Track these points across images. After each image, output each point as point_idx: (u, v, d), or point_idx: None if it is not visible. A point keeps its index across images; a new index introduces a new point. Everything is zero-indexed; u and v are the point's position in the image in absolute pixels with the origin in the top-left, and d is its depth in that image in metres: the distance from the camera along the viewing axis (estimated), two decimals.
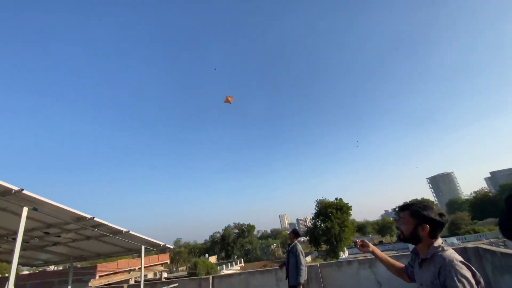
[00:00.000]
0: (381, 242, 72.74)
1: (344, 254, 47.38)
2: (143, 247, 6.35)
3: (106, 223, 5.12)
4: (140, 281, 6.47)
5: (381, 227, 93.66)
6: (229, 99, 7.62)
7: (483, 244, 5.55)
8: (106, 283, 16.59)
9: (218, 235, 70.69)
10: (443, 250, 1.41)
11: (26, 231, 5.31)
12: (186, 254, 60.33)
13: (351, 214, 47.38)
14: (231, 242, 66.23)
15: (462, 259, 1.35)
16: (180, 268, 44.14)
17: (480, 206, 65.60)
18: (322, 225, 45.46)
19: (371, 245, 1.83)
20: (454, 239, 43.62)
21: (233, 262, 46.09)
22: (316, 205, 48.39)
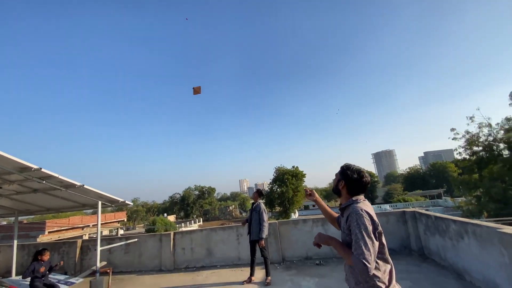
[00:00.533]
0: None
1: (295, 215, 52.02)
2: (99, 203, 5.99)
3: (56, 175, 4.62)
4: (95, 237, 6.23)
5: (328, 193, 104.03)
6: (197, 90, 7.21)
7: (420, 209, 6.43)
8: (57, 239, 15.79)
9: (178, 196, 71.00)
10: (356, 202, 1.69)
11: None
12: (144, 213, 59.99)
13: (304, 181, 51.52)
14: (190, 203, 67.39)
15: (367, 210, 1.61)
16: (137, 226, 44.16)
17: (411, 180, 75.83)
18: (278, 189, 48.84)
19: (316, 195, 2.11)
20: (387, 206, 50.61)
21: (192, 221, 47.44)
22: (274, 172, 51.39)
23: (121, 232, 27.55)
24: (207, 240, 6.82)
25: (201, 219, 57.43)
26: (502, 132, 19.27)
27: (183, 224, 41.28)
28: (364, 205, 1.67)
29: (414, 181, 73.98)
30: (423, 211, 5.67)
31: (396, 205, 56.30)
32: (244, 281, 5.11)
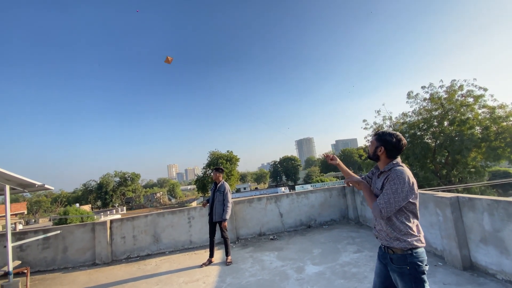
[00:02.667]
0: (256, 188, 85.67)
1: None
2: (7, 187, 4.55)
3: None
4: (5, 232, 4.80)
5: (258, 177, 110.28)
6: (169, 59, 7.14)
7: None
8: None
9: (93, 183, 61.89)
10: (398, 165, 1.80)
11: None
12: (49, 204, 49.95)
13: (238, 165, 52.96)
14: (110, 191, 59.91)
15: (408, 174, 1.74)
16: (41, 219, 36.28)
17: (326, 163, 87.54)
18: (211, 173, 48.62)
19: (338, 159, 2.26)
20: (308, 186, 57.07)
21: (114, 210, 42.43)
22: (208, 156, 50.86)
23: (19, 227, 22.22)
24: (153, 225, 6.15)
25: (124, 208, 52.05)
26: (398, 124, 23.93)
27: (102, 214, 36.51)
28: (405, 169, 1.76)
29: (327, 164, 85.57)
30: None
31: (315, 185, 64.08)
32: (203, 264, 4.86)
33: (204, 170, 50.81)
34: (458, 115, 19.39)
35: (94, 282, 4.68)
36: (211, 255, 4.99)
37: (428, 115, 21.79)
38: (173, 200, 79.36)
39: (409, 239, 1.72)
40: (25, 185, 4.90)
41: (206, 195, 51.55)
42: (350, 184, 2.00)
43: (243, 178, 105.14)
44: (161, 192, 74.69)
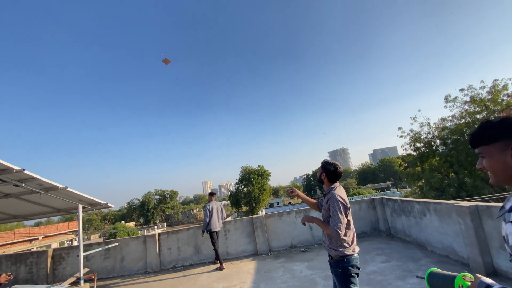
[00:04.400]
0: (289, 203, 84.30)
1: (262, 213, 53.12)
2: (80, 206, 5.64)
3: (38, 177, 4.30)
4: (70, 245, 5.82)
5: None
6: (166, 61, 7.99)
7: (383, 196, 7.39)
8: (2, 253, 13.84)
9: (136, 201, 66.62)
10: (333, 189, 2.37)
11: None
12: (99, 222, 55.00)
13: (269, 179, 52.97)
14: (151, 208, 63.83)
15: (340, 194, 2.30)
16: (92, 236, 40.19)
17: (363, 175, 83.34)
18: (244, 189, 49.38)
19: (297, 190, 2.73)
20: None
21: (155, 227, 45.12)
22: (240, 171, 51.78)
23: (75, 243, 25.00)
24: (194, 238, 6.85)
25: (165, 224, 54.90)
26: (438, 130, 22.52)
27: (145, 230, 39.05)
28: (339, 190, 2.36)
29: (366, 176, 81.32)
30: (390, 197, 6.57)
31: (352, 198, 61.21)
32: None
33: (236, 185, 51.69)
34: None
35: (149, 287, 5.44)
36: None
37: (471, 119, 20.29)
38: None
39: (341, 249, 2.27)
40: (93, 205, 5.95)
41: (240, 210, 52.21)
42: (306, 224, 2.47)
43: (275, 192, 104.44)
44: (197, 208, 77.32)
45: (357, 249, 2.33)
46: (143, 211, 63.79)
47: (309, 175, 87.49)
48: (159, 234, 6.92)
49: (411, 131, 23.95)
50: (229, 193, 54.46)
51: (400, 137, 24.26)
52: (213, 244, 6.04)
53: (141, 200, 65.37)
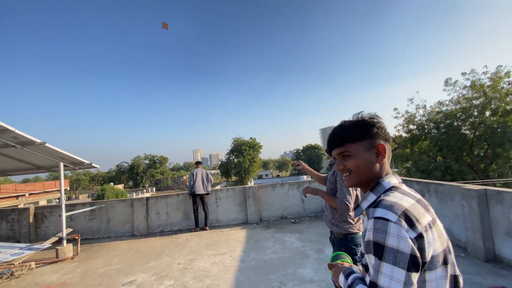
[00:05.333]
0: (278, 176, 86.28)
1: (251, 184, 54.44)
2: (61, 165, 5.24)
3: (12, 128, 3.83)
4: (53, 204, 5.53)
5: (280, 164, 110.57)
6: (165, 25, 7.62)
7: None
8: None
9: (125, 164, 66.35)
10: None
11: None
12: (88, 182, 54.95)
13: (260, 152, 53.44)
14: (140, 172, 63.94)
15: None
16: (81, 196, 40.28)
17: None
18: (235, 159, 49.82)
19: (302, 163, 2.54)
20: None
21: (144, 190, 45.54)
22: (232, 142, 51.80)
23: None
24: (183, 204, 6.69)
25: (154, 188, 55.50)
26: (433, 114, 22.49)
27: (134, 193, 39.36)
28: None
29: None
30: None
31: None
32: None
33: (228, 155, 51.97)
34: (503, 104, 17.75)
35: (134, 250, 5.32)
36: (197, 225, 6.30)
37: (468, 104, 20.20)
38: None
39: (345, 226, 2.04)
40: (76, 163, 5.57)
41: (230, 179, 53.11)
42: (306, 195, 2.28)
43: (265, 165, 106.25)
44: (187, 175, 78.21)
45: (362, 227, 2.04)
46: (132, 174, 63.91)
47: (299, 150, 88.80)
48: (147, 198, 6.71)
49: (407, 112, 23.84)
50: (220, 162, 54.89)
51: (394, 117, 24.14)
52: (193, 208, 6.34)
53: (130, 163, 65.13)
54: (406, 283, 0.63)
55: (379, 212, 0.70)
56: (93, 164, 5.77)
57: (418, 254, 0.65)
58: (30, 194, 21.81)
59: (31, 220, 6.29)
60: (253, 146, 50.98)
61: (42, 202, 25.01)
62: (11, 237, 6.18)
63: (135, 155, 73.71)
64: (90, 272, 4.24)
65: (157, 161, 68.35)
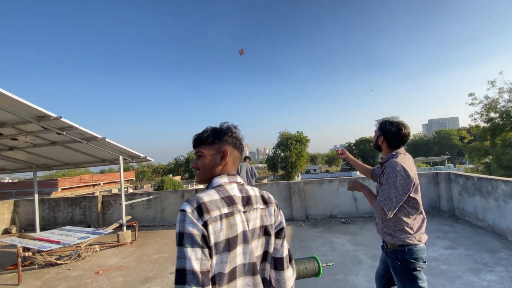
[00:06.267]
0: (327, 171, 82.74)
1: (298, 179, 53.41)
2: (121, 158, 5.77)
3: (76, 126, 4.28)
4: (117, 193, 6.12)
5: (329, 159, 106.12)
6: (241, 51, 8.28)
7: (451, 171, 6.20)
8: (70, 195, 16.15)
9: (182, 158, 72.12)
10: (395, 156, 1.73)
11: None
12: (150, 174, 61.71)
13: (308, 146, 51.92)
14: None
15: (403, 164, 1.63)
16: (145, 186, 45.59)
17: (415, 146, 76.22)
18: (281, 154, 49.53)
19: (347, 153, 2.25)
20: None
21: (195, 182, 48.85)
22: (278, 136, 51.54)
23: (130, 190, 28.37)
24: None
25: None
26: None
27: (189, 184, 42.58)
28: (403, 158, 1.70)
29: (417, 148, 74.39)
30: (461, 173, 5.42)
31: None
32: None
33: (274, 150, 51.99)
34: None
35: None
36: None
37: None
38: None
39: (400, 236, 1.66)
40: (133, 157, 6.06)
41: (277, 173, 53.15)
42: (352, 190, 2.01)
43: (313, 159, 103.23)
44: None
45: (424, 238, 1.69)
46: (188, 167, 69.17)
47: (351, 143, 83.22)
48: (196, 190, 6.97)
49: (486, 97, 20.03)
50: (266, 156, 55.30)
51: (470, 104, 20.53)
52: None
53: (186, 157, 70.56)
54: (191, 258, 0.72)
55: (182, 205, 0.82)
56: (147, 158, 6.20)
57: (200, 237, 0.75)
58: (104, 183, 25.45)
59: (99, 207, 7.16)
60: (300, 140, 49.80)
61: (115, 191, 28.92)
62: (83, 222, 7.15)
63: (191, 149, 79.46)
64: (144, 258, 4.55)
65: None
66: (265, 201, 0.97)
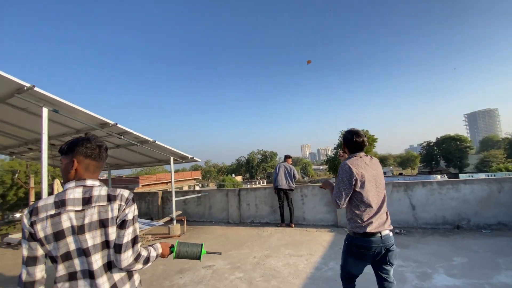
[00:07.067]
0: (400, 174, 73.34)
1: None
2: (171, 158, 6.44)
3: (130, 130, 4.98)
4: (169, 190, 6.83)
5: (403, 160, 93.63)
6: (309, 61, 8.82)
7: None
8: (139, 191, 18.84)
9: (243, 159, 75.63)
10: (349, 158, 2.08)
11: (58, 136, 5.40)
12: (216, 173, 66.96)
13: (375, 146, 47.14)
14: (255, 166, 71.10)
15: (350, 163, 1.98)
16: (210, 184, 49.88)
17: None
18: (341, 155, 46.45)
19: (327, 185, 2.34)
20: (482, 175, 42.42)
21: (257, 182, 50.38)
22: (340, 136, 48.47)
23: (197, 188, 31.35)
24: (270, 198, 6.73)
25: (265, 180, 60.37)
26: None
27: (248, 184, 44.29)
28: (354, 160, 2.04)
29: None
30: None
31: (494, 175, 46.78)
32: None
33: (335, 150, 49.26)
34: None
35: (224, 236, 5.81)
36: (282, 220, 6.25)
37: None
38: (306, 178, 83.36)
39: (352, 224, 2.00)
40: (182, 157, 6.68)
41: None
42: (324, 188, 2.35)
43: (382, 161, 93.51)
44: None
45: (374, 227, 1.91)
46: (249, 167, 72.05)
47: (430, 143, 71.52)
48: (240, 190, 7.19)
49: None
50: (327, 158, 52.70)
51: None
52: (279, 203, 6.28)
53: (246, 158, 73.63)
54: (23, 247, 1.12)
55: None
56: (194, 158, 6.74)
57: (28, 233, 1.10)
58: (175, 181, 28.98)
59: (159, 202, 8.14)
60: None
61: (185, 188, 32.41)
62: (147, 214, 8.24)
63: (251, 151, 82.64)
64: None
65: (268, 155, 73.79)
66: (109, 199, 1.19)
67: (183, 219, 6.31)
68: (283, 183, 6.12)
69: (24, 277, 1.10)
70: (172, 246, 1.47)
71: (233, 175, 64.24)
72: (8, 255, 5.46)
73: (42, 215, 1.10)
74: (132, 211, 1.24)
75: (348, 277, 2.15)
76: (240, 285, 3.41)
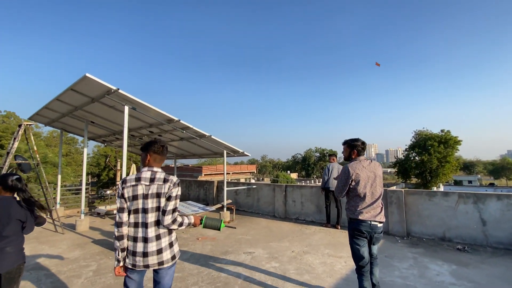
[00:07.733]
0: (491, 185, 60.61)
1: (440, 189, 42.65)
2: (225, 152, 7.06)
3: (191, 126, 5.70)
4: (228, 180, 7.48)
5: (496, 168, 77.21)
6: (377, 64, 9.10)
7: None
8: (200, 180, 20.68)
9: (299, 156, 74.63)
10: (352, 160, 2.77)
11: (136, 128, 6.57)
12: (271, 168, 68.24)
13: (458, 149, 39.87)
14: (311, 164, 69.37)
15: (349, 166, 2.67)
16: (265, 179, 51.43)
17: None
18: (416, 157, 40.76)
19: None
20: None
21: (312, 181, 49.17)
22: (413, 136, 42.75)
23: (252, 181, 32.75)
24: (316, 197, 6.70)
25: (321, 179, 58.41)
26: None
27: (303, 182, 43.64)
28: (353, 163, 2.70)
29: None
30: None
31: None
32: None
33: (406, 152, 43.37)
34: None
35: (268, 228, 6.12)
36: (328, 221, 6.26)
37: None
38: None
39: (348, 212, 2.73)
40: (234, 151, 7.23)
41: (409, 181, 44.42)
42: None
43: (468, 167, 79.13)
44: None
45: (365, 216, 2.55)
46: (305, 165, 70.72)
47: None
48: (286, 186, 7.36)
49: None
50: (396, 159, 47.19)
51: None
52: (326, 203, 6.24)
53: (303, 155, 72.41)
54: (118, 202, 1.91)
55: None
56: (245, 152, 7.22)
57: (120, 193, 1.88)
58: (233, 173, 30.78)
59: (214, 190, 8.98)
60: (446, 142, 38.79)
61: (242, 180, 34.22)
62: (204, 200, 9.19)
63: (307, 148, 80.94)
64: (231, 236, 5.45)
65: (326, 154, 70.89)
66: (165, 180, 1.91)
67: (233, 207, 6.88)
68: (334, 184, 6.04)
69: (117, 219, 1.85)
70: (201, 219, 2.13)
71: (289, 171, 64.16)
72: (97, 222, 6.97)
73: (128, 184, 1.89)
74: (176, 191, 1.93)
75: (355, 257, 2.67)
76: (274, 273, 3.65)
